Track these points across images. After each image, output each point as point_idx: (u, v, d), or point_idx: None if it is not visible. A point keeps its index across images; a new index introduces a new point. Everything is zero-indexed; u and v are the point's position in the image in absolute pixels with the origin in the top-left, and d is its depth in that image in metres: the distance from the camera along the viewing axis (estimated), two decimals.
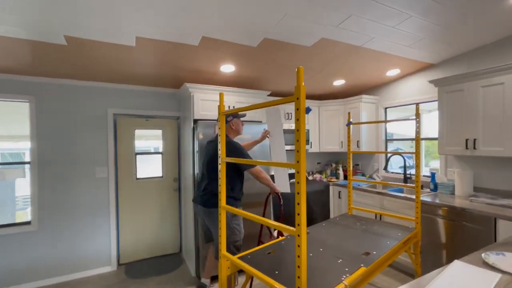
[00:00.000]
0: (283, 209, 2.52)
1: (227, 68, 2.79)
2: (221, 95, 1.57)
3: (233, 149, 2.09)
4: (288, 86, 3.59)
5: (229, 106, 3.03)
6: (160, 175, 3.45)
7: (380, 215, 3.02)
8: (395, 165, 3.81)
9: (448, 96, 2.72)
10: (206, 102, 2.92)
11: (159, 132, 3.46)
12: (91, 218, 3.02)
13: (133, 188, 3.29)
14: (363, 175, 4.02)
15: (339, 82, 3.57)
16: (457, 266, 1.16)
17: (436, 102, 3.14)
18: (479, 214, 2.21)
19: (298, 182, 1.12)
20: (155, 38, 2.08)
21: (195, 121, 2.85)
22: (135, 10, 1.70)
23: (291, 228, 1.12)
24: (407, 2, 1.83)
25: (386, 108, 3.83)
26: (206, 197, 2.20)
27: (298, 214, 1.10)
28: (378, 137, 3.86)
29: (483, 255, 1.29)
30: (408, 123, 3.60)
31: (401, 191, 3.29)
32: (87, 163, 3.00)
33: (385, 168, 3.50)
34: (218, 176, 1.53)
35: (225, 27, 1.99)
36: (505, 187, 2.53)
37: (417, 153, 2.36)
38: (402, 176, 3.49)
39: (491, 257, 1.27)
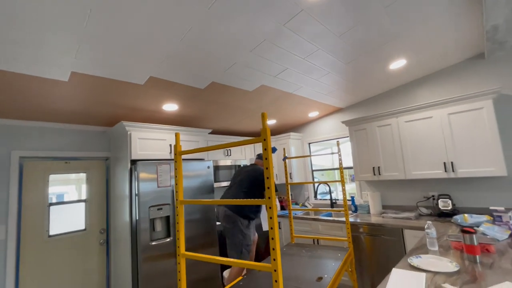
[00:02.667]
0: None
1: (170, 107, 2.76)
2: (177, 135, 1.56)
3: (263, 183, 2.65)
4: (226, 123, 3.77)
5: (170, 145, 2.94)
6: (83, 227, 2.90)
7: (318, 240, 3.34)
8: (320, 191, 4.35)
9: (356, 133, 3.42)
10: (145, 141, 2.76)
11: (82, 176, 2.98)
12: None
13: (43, 249, 2.62)
14: (296, 204, 4.40)
15: (271, 122, 3.98)
16: (396, 273, 1.43)
17: (347, 138, 3.90)
18: (391, 228, 2.75)
19: (271, 217, 1.21)
20: (95, 75, 1.94)
21: (134, 161, 2.63)
22: (70, 44, 1.59)
23: (266, 264, 1.16)
24: (328, 62, 2.35)
25: (309, 143, 4.44)
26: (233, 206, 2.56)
27: (273, 249, 1.17)
28: (305, 168, 4.39)
29: (408, 260, 1.63)
30: (323, 155, 4.25)
31: (330, 215, 3.75)
32: None
33: (315, 196, 3.95)
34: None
35: (175, 70, 2.05)
36: (403, 203, 3.25)
37: (342, 181, 2.83)
38: (329, 202, 4.00)
39: (414, 260, 1.62)
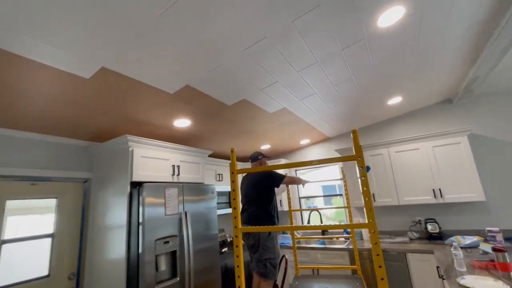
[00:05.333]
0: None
1: (182, 123, 2.47)
2: (232, 150, 1.39)
3: (267, 174, 2.51)
4: (226, 146, 3.56)
5: (173, 166, 2.57)
6: (45, 273, 2.16)
7: (317, 270, 3.23)
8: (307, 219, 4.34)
9: (350, 162, 3.62)
10: (147, 160, 2.35)
11: (52, 202, 2.30)
12: None
13: None
14: (284, 232, 4.25)
15: (266, 146, 3.93)
16: None
17: (334, 165, 4.09)
18: (395, 253, 2.86)
19: (375, 243, 1.12)
20: (109, 68, 1.62)
21: (136, 183, 2.18)
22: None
23: None
24: (326, 95, 2.51)
25: (296, 170, 4.49)
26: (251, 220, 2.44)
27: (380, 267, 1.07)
28: (293, 195, 4.36)
29: (457, 280, 1.69)
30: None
31: (323, 243, 3.72)
32: None
33: (308, 223, 3.90)
34: None
35: (213, 81, 1.87)
36: (393, 228, 3.47)
37: (349, 207, 2.89)
38: (319, 230, 3.99)
39: (462, 281, 1.68)
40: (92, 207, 2.45)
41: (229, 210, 3.71)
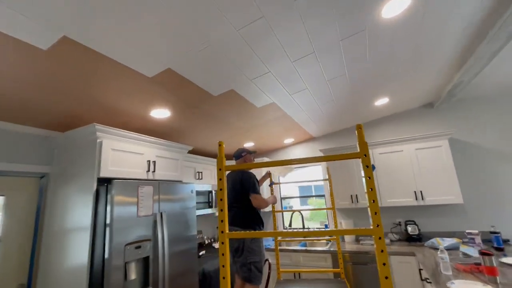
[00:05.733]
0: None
1: (161, 113, 2.22)
2: (221, 144, 1.21)
3: (247, 178, 2.27)
4: (207, 142, 3.32)
5: (149, 162, 2.31)
6: None
7: (299, 274, 3.12)
8: (286, 221, 4.24)
9: (333, 161, 3.56)
10: (120, 154, 2.08)
11: None
12: None
13: None
14: None
15: (250, 144, 3.76)
16: None
17: (318, 166, 4.03)
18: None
19: (382, 251, 1.01)
20: (77, 41, 1.36)
21: (104, 180, 1.90)
22: None
23: None
24: (322, 95, 2.42)
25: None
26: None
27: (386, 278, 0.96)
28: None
29: (447, 284, 1.65)
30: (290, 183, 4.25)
31: (304, 245, 3.63)
32: None
33: (290, 225, 3.79)
34: None
35: (198, 65, 1.67)
36: None
37: (333, 208, 2.81)
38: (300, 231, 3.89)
39: (453, 286, 1.64)
40: (50, 206, 2.12)
41: (209, 211, 3.49)
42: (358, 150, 1.07)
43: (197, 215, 3.25)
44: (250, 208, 2.25)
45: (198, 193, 3.33)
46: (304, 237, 3.73)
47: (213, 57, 1.60)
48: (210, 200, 3.54)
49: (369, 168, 1.07)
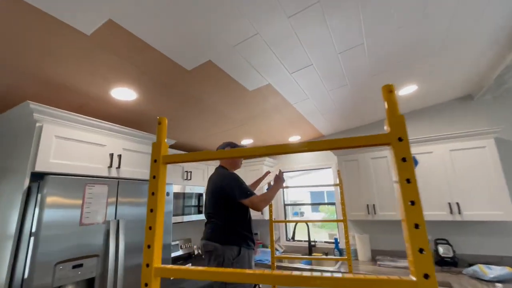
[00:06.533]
0: None
1: (124, 94, 1.77)
2: (162, 121, 0.74)
3: (228, 181, 1.77)
4: (192, 137, 2.86)
5: (111, 155, 1.86)
6: None
7: None
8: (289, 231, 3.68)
9: (346, 164, 2.99)
10: (68, 143, 1.64)
11: None
12: None
13: None
14: (264, 246, 3.57)
15: (248, 141, 3.26)
16: None
17: (330, 169, 3.46)
18: None
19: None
20: None
21: (38, 175, 1.46)
22: None
23: None
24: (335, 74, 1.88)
25: (283, 172, 3.83)
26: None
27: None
28: (277, 201, 3.70)
29: None
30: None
31: (308, 263, 3.06)
32: None
33: (293, 237, 3.24)
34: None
35: (159, 25, 1.20)
36: (394, 247, 2.84)
37: (345, 221, 2.25)
38: (305, 244, 3.33)
39: None
40: None
41: (200, 216, 3.02)
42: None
43: (185, 221, 2.80)
44: (234, 221, 1.75)
45: (187, 195, 2.87)
46: (308, 248, 3.16)
47: (175, 10, 1.12)
48: (200, 204, 3.07)
49: (408, 162, 0.55)
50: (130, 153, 2.01)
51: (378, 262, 2.61)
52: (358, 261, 2.80)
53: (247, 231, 1.80)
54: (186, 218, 2.83)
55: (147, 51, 1.37)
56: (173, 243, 2.96)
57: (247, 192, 1.74)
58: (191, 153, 0.74)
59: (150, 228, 0.69)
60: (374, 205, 2.74)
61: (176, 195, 2.73)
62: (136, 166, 2.04)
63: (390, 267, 2.50)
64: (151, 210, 0.70)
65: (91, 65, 1.43)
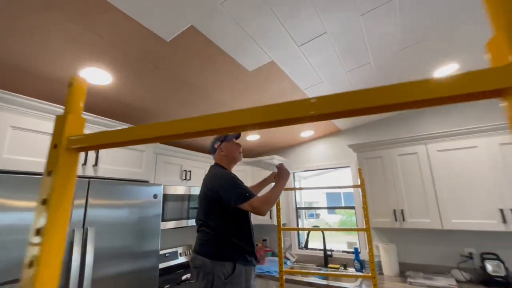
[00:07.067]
0: None
1: (97, 77, 1.47)
2: (72, 82, 0.39)
3: (221, 182, 1.45)
4: None
5: (86, 154, 1.58)
6: None
7: None
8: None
9: (367, 162, 2.56)
10: (25, 134, 1.37)
11: None
12: None
13: None
14: (273, 254, 3.20)
15: (254, 137, 2.91)
16: None
17: (345, 168, 3.04)
18: None
19: None
20: None
21: None
22: None
23: None
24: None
25: (294, 172, 3.45)
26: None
27: None
28: (288, 204, 3.32)
29: None
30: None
31: (324, 278, 2.66)
32: None
33: (306, 246, 2.85)
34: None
35: None
36: (428, 261, 2.39)
37: (369, 230, 1.84)
38: (320, 253, 2.93)
39: None
40: None
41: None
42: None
43: (183, 226, 2.50)
44: (228, 230, 1.41)
45: (180, 198, 2.55)
46: (324, 260, 2.76)
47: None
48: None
49: None
50: (114, 149, 1.72)
51: (409, 280, 2.17)
52: (383, 276, 2.37)
53: (245, 243, 1.45)
54: (183, 223, 2.53)
55: (108, 13, 1.06)
56: (171, 250, 2.67)
57: (245, 194, 1.39)
58: (104, 131, 0.39)
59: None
60: (402, 210, 2.30)
61: (179, 197, 2.45)
62: (122, 165, 1.75)
63: (422, 286, 2.05)
64: (37, 232, 0.37)
65: (41, 36, 1.13)
